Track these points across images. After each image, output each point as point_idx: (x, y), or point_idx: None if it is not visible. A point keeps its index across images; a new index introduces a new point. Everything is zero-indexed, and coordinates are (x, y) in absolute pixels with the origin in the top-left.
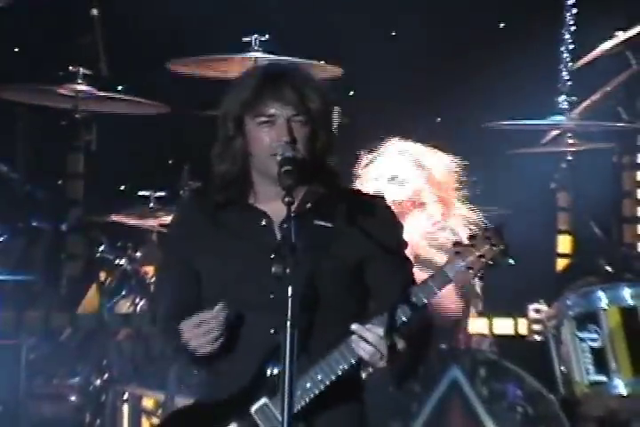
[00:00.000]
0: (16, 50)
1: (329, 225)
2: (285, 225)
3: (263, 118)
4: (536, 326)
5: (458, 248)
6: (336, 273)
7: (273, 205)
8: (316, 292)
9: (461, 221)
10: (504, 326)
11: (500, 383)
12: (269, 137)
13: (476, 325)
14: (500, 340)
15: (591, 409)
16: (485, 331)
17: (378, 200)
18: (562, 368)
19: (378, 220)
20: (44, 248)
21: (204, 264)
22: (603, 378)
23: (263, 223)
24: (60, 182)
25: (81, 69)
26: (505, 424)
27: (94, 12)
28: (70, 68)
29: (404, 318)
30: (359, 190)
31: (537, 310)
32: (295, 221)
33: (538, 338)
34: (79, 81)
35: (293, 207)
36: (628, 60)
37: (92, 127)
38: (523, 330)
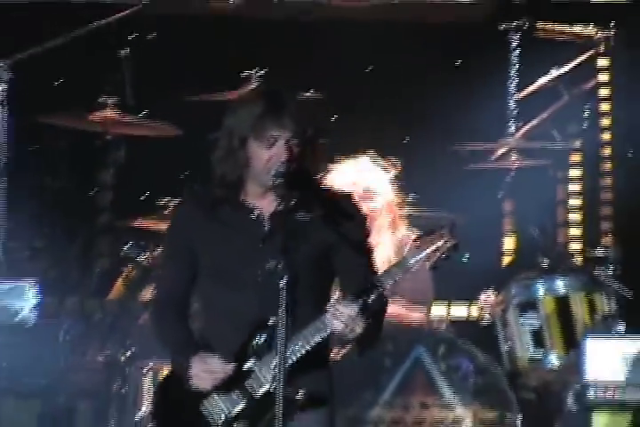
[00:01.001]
0: (58, 83)
1: (307, 218)
2: (272, 224)
3: (266, 141)
4: (486, 311)
5: (418, 242)
6: (312, 256)
7: (261, 202)
8: (297, 271)
9: (404, 227)
10: (460, 310)
11: (456, 359)
12: (269, 156)
13: (437, 310)
14: (456, 322)
15: (530, 380)
16: (444, 315)
17: (347, 197)
18: (506, 346)
19: (347, 214)
20: (79, 247)
21: (203, 250)
22: (540, 355)
23: (253, 217)
24: (92, 192)
25: (110, 99)
26: (459, 392)
27: (123, 52)
28: (102, 98)
29: (369, 300)
30: (333, 190)
31: (487, 298)
32: (285, 218)
33: (487, 321)
34: (109, 109)
35: (280, 205)
36: (561, 92)
37: (120, 146)
38: (475, 314)
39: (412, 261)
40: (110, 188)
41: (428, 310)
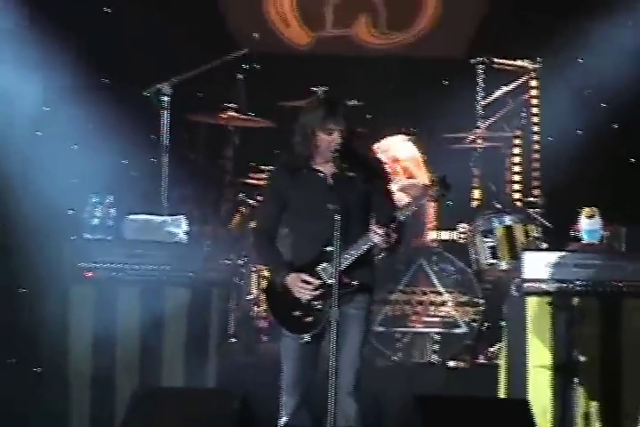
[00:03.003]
0: (200, 95)
1: (354, 175)
2: (333, 181)
3: (327, 131)
4: (462, 236)
5: (426, 187)
6: (358, 200)
7: (324, 167)
8: (349, 209)
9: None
10: (446, 235)
11: (444, 264)
12: (329, 141)
13: (431, 234)
14: (444, 242)
15: (489, 277)
16: (436, 237)
17: (376, 159)
18: (474, 257)
19: (377, 173)
20: (212, 195)
21: (290, 197)
22: (494, 261)
23: (321, 176)
24: (220, 162)
25: (231, 105)
26: (445, 285)
27: (240, 76)
28: (226, 104)
29: (393, 225)
30: (369, 157)
31: (462, 227)
32: (340, 177)
33: (463, 241)
34: (230, 110)
35: (337, 169)
36: (508, 101)
37: (236, 133)
38: (455, 237)
39: (422, 200)
40: (230, 159)
41: (427, 234)
